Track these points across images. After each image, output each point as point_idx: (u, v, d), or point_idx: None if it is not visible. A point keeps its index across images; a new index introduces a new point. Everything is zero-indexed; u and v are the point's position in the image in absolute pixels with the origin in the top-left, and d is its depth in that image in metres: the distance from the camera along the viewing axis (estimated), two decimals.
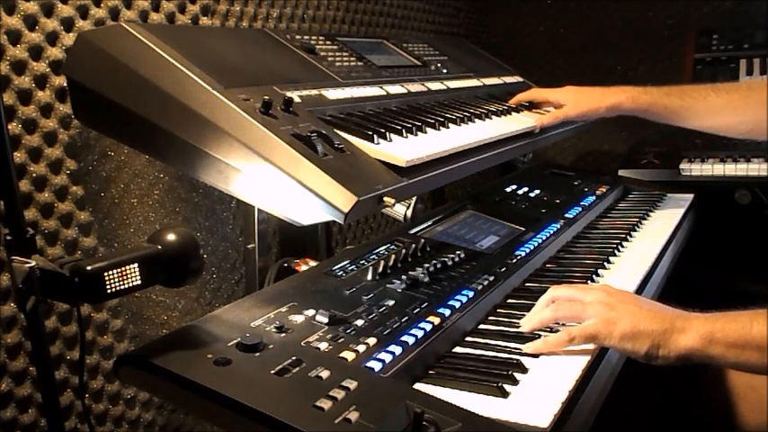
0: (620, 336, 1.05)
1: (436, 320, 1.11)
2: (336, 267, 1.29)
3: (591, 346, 1.09)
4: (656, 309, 1.10)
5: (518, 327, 1.17)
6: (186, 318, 1.51)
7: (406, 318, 1.11)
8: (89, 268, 0.88)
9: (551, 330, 1.14)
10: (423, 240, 1.44)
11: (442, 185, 1.99)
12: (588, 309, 1.10)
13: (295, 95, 1.21)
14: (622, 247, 1.62)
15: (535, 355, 1.07)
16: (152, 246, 0.94)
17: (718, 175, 2.14)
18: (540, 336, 1.12)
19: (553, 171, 2.25)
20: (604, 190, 2.04)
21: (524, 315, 1.18)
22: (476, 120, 1.55)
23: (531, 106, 1.83)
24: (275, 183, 1.05)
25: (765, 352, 1.00)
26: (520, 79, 2.20)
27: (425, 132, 1.34)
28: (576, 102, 1.73)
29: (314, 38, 1.57)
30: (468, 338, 1.15)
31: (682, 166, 2.19)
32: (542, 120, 1.71)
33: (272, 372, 0.90)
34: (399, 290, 1.21)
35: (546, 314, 1.14)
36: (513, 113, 1.74)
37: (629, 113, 1.73)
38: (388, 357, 0.98)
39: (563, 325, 1.14)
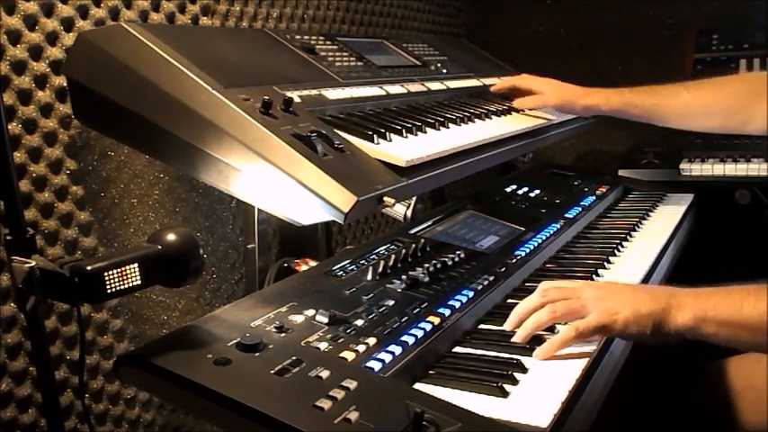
0: (624, 322, 1.07)
1: (436, 320, 1.11)
2: (336, 267, 1.29)
3: (592, 347, 1.09)
4: (648, 290, 1.16)
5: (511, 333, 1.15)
6: (186, 318, 1.51)
7: (406, 318, 1.11)
8: (89, 268, 0.88)
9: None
10: (423, 240, 1.44)
11: (442, 185, 1.99)
12: (587, 304, 1.10)
13: (295, 95, 1.21)
14: (622, 247, 1.62)
15: None
16: (152, 246, 0.94)
17: (718, 175, 2.14)
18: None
19: (553, 171, 2.25)
20: (604, 190, 2.04)
21: None
22: (476, 120, 1.55)
23: (513, 96, 1.83)
24: (275, 183, 1.05)
25: (755, 331, 1.03)
26: None
27: (425, 132, 1.34)
28: (556, 92, 1.77)
29: (314, 38, 1.57)
30: (468, 338, 1.15)
31: (682, 166, 2.19)
32: (523, 102, 1.76)
33: (272, 372, 0.90)
34: (399, 290, 1.21)
35: (542, 316, 1.11)
36: (512, 113, 1.74)
37: (605, 114, 1.78)
38: (388, 357, 0.98)
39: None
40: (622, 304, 1.08)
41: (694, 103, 1.65)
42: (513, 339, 1.12)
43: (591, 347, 1.09)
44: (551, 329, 1.13)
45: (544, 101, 1.77)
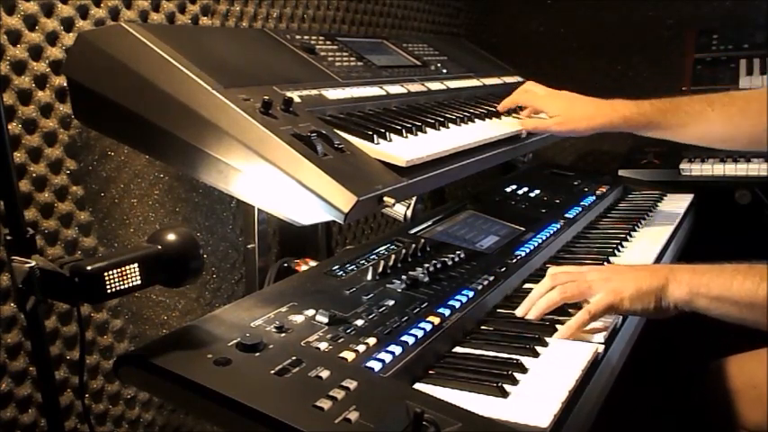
0: (630, 299, 1.15)
1: (436, 320, 1.11)
2: (336, 267, 1.29)
3: (592, 347, 1.09)
4: (649, 268, 1.25)
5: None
6: (186, 318, 1.51)
7: (406, 318, 1.11)
8: (89, 268, 0.88)
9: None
10: (423, 240, 1.44)
11: (442, 185, 1.99)
12: (593, 285, 1.18)
13: (295, 95, 1.21)
14: (622, 247, 1.62)
15: (535, 355, 1.08)
16: (152, 246, 0.94)
17: (718, 175, 2.14)
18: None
19: (553, 171, 2.25)
20: (604, 190, 2.04)
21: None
22: (476, 120, 1.55)
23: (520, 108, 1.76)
24: (275, 183, 1.05)
25: (742, 307, 1.11)
26: (520, 79, 2.20)
27: (425, 132, 1.34)
28: (565, 116, 1.63)
29: (314, 38, 1.57)
30: (468, 338, 1.15)
31: (682, 166, 2.19)
32: (526, 125, 1.64)
33: (272, 372, 0.90)
34: (399, 290, 1.21)
35: (554, 296, 1.19)
36: (512, 113, 1.74)
37: (621, 131, 1.67)
38: (388, 357, 0.98)
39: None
40: (626, 283, 1.16)
41: (720, 123, 1.57)
42: (528, 317, 1.20)
43: (591, 347, 1.09)
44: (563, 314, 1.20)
45: (548, 128, 1.64)
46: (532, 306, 1.21)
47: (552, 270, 1.26)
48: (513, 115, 1.73)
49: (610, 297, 1.15)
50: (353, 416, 0.81)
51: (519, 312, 1.21)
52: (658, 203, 2.04)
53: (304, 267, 1.42)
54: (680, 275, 1.15)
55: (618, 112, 1.61)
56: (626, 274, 1.20)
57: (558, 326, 1.16)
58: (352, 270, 1.29)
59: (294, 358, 0.93)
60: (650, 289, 1.15)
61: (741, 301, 1.11)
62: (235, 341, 0.96)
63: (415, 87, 1.62)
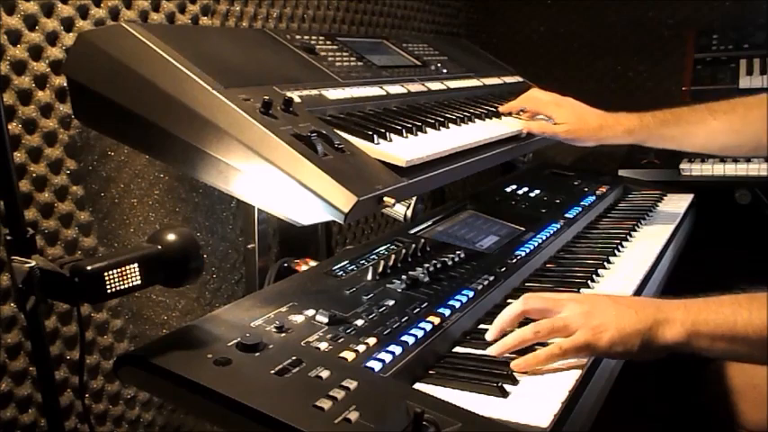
0: (610, 342, 1.01)
1: (436, 320, 1.11)
2: (336, 267, 1.29)
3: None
4: (634, 305, 1.07)
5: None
6: (186, 318, 1.51)
7: (406, 318, 1.11)
8: (89, 268, 0.88)
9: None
10: (423, 240, 1.44)
11: (442, 185, 1.99)
12: (570, 322, 1.05)
13: (295, 95, 1.21)
14: (622, 247, 1.62)
15: None
16: (152, 246, 0.94)
17: (718, 175, 2.14)
18: None
19: (553, 171, 2.25)
20: (604, 190, 2.04)
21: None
22: (476, 120, 1.55)
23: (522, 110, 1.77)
24: (275, 183, 1.05)
25: (752, 345, 0.99)
26: (520, 79, 2.20)
27: (425, 132, 1.34)
28: (573, 126, 1.65)
29: (314, 38, 1.57)
30: (468, 338, 1.15)
31: (682, 166, 2.19)
32: (531, 127, 1.65)
33: (272, 372, 0.90)
34: (399, 290, 1.21)
35: (527, 334, 1.05)
36: (513, 115, 1.74)
37: (625, 143, 1.70)
38: (388, 357, 0.98)
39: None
40: (608, 322, 1.03)
41: (723, 131, 1.57)
42: (492, 351, 1.07)
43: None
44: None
45: (555, 132, 1.66)
46: (501, 332, 1.09)
47: (527, 295, 1.13)
48: (514, 115, 1.73)
49: (587, 336, 1.02)
50: (353, 416, 0.81)
51: (489, 336, 1.10)
52: (658, 203, 2.03)
53: (304, 267, 1.42)
54: (671, 315, 1.02)
55: (622, 126, 1.65)
56: (608, 310, 1.05)
57: None
58: (352, 270, 1.29)
59: (294, 358, 0.93)
60: (634, 331, 1.01)
61: (750, 338, 0.98)
62: (235, 341, 0.96)
63: (415, 87, 1.62)
